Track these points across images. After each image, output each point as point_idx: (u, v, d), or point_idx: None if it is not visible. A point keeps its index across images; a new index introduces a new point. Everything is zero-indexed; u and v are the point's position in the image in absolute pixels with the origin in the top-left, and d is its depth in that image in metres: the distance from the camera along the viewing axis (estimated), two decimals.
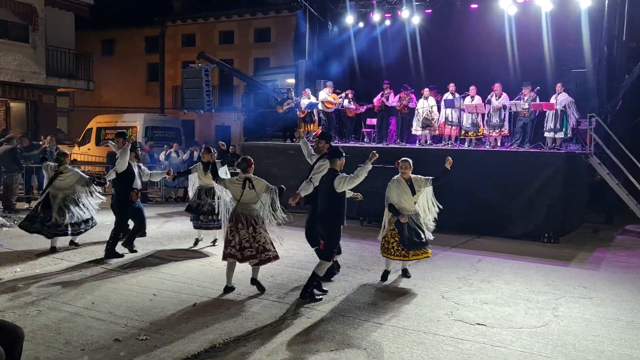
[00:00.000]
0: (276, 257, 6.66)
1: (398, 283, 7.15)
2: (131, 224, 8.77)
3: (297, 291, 6.61)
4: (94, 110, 25.39)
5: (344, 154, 6.58)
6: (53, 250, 8.54)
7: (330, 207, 6.45)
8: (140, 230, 8.78)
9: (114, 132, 14.62)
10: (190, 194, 9.57)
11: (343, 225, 6.57)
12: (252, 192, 6.52)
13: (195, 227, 9.22)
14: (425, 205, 7.44)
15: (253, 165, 6.76)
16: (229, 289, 6.62)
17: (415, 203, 7.18)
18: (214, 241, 9.33)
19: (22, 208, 12.88)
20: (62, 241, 8.80)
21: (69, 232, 8.59)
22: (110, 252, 8.29)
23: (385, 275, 7.37)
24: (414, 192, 7.06)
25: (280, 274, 7.44)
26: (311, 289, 6.43)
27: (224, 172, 9.05)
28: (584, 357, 4.96)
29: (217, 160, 8.98)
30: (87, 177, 8.96)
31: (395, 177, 7.17)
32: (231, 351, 4.86)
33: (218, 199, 8.34)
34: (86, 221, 8.81)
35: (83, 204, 8.78)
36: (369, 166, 6.32)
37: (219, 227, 9.04)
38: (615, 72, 12.97)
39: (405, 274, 7.46)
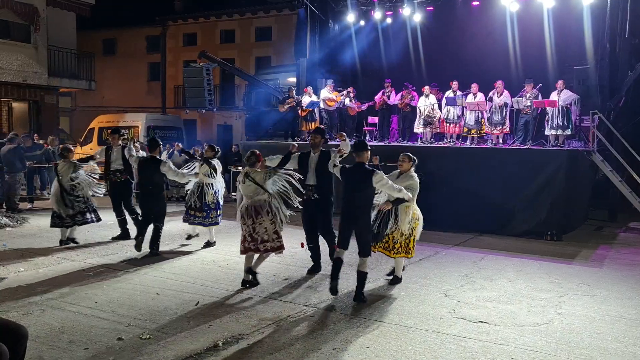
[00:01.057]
0: (277, 249, 6.67)
1: (400, 282, 7.13)
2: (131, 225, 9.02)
3: (299, 290, 6.62)
4: (96, 110, 25.42)
5: (368, 147, 6.48)
6: (68, 242, 8.85)
7: (364, 200, 6.32)
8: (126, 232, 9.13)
9: None
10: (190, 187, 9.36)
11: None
12: (252, 185, 6.56)
13: (189, 223, 9.26)
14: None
15: (262, 160, 6.74)
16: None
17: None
18: (207, 242, 9.23)
19: (24, 208, 12.91)
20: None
21: (72, 223, 8.86)
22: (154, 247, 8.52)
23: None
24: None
25: (283, 272, 7.44)
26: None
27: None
28: (587, 354, 4.95)
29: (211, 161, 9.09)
30: (75, 161, 9.12)
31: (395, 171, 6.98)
32: (234, 350, 4.87)
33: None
34: (87, 212, 9.00)
35: (81, 194, 8.96)
36: (404, 195, 6.27)
37: (215, 224, 9.11)
38: (618, 69, 12.91)
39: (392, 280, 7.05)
